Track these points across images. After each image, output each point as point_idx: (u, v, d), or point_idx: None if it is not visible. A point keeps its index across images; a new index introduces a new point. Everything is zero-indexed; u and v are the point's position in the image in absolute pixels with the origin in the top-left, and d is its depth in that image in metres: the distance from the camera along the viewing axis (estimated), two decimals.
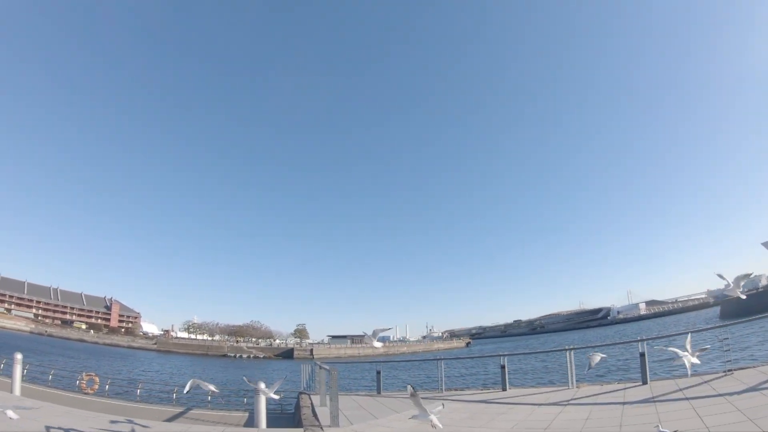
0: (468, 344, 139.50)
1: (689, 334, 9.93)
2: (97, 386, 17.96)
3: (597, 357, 11.60)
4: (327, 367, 10.22)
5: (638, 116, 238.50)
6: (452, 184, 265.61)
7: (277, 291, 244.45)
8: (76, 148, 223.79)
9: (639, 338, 12.21)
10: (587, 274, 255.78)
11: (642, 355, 11.32)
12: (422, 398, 14.78)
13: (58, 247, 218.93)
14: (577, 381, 12.59)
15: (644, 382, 11.14)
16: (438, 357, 16.78)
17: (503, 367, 13.62)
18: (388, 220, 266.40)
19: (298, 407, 14.68)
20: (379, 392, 16.35)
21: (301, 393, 17.12)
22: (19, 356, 10.49)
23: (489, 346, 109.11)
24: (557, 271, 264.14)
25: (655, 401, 9.26)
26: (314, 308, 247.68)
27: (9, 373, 18.01)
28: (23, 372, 18.10)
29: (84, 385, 17.63)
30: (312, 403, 14.22)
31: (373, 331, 10.39)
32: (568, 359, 12.66)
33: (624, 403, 9.56)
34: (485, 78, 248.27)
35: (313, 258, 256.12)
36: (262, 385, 10.77)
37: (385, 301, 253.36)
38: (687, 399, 8.86)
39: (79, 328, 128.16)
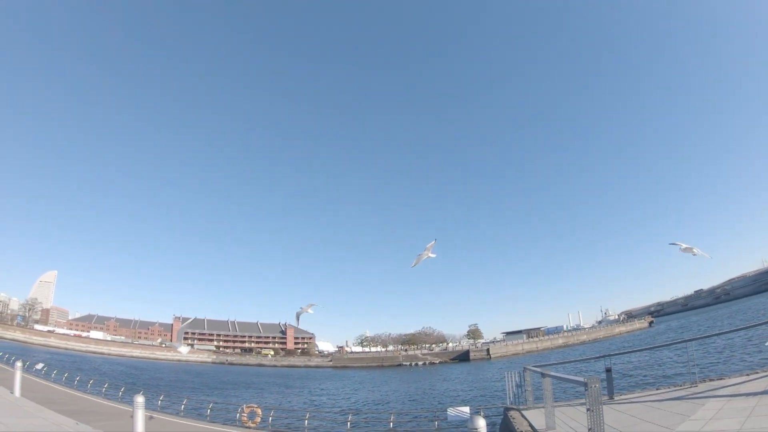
0: (651, 324, 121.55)
1: None
2: (259, 418, 16.12)
3: None
4: (581, 378, 5.86)
5: None
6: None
7: (447, 295, 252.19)
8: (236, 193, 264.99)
9: None
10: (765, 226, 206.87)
11: None
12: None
13: (233, 283, 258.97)
14: None
15: None
16: (681, 338, 12.95)
17: None
18: (557, 212, 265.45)
19: (508, 429, 10.67)
20: (611, 396, 11.35)
21: (508, 409, 12.09)
22: (140, 400, 8.84)
23: (676, 323, 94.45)
24: (734, 227, 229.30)
25: None
26: (484, 307, 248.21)
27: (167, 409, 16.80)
28: (182, 407, 16.96)
29: (245, 418, 15.86)
30: (532, 425, 9.83)
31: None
32: None
33: None
34: None
35: (480, 259, 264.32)
36: None
37: (553, 291, 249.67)
38: None
39: (267, 355, 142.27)
